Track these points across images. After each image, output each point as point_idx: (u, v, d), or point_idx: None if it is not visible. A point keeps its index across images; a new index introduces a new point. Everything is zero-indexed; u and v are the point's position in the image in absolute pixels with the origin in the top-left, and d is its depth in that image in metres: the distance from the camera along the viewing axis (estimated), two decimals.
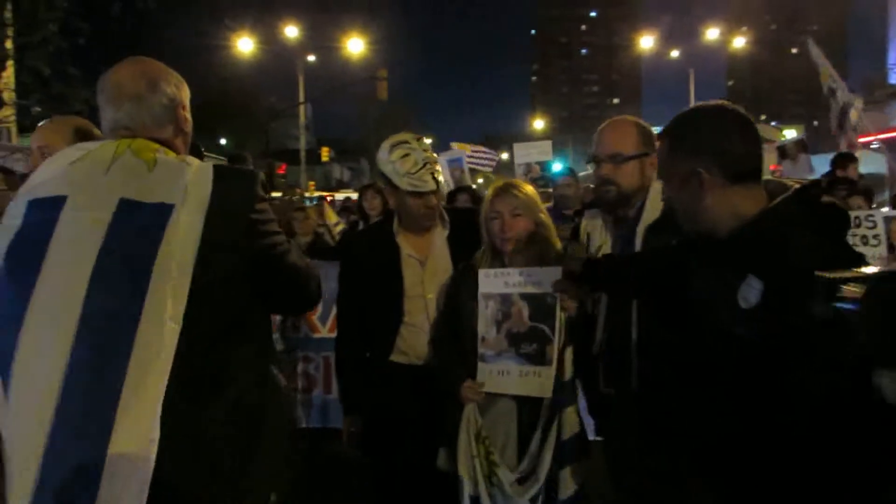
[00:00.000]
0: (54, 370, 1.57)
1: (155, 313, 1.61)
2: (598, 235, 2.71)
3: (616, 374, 2.56)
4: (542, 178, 7.72)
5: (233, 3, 34.22)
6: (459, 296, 2.70)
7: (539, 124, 75.55)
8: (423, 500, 2.84)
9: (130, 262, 1.64)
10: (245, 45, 29.75)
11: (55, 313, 1.61)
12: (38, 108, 13.37)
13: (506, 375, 2.55)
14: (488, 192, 2.72)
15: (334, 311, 4.27)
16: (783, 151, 10.66)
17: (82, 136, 2.48)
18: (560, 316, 2.49)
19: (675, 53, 38.10)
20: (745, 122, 1.78)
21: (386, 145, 2.80)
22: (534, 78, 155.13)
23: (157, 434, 1.59)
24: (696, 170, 1.74)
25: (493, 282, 2.61)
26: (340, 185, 44.14)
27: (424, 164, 2.74)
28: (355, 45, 30.26)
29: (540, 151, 9.21)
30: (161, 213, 1.67)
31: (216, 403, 1.72)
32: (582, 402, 2.75)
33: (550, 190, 6.70)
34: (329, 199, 15.67)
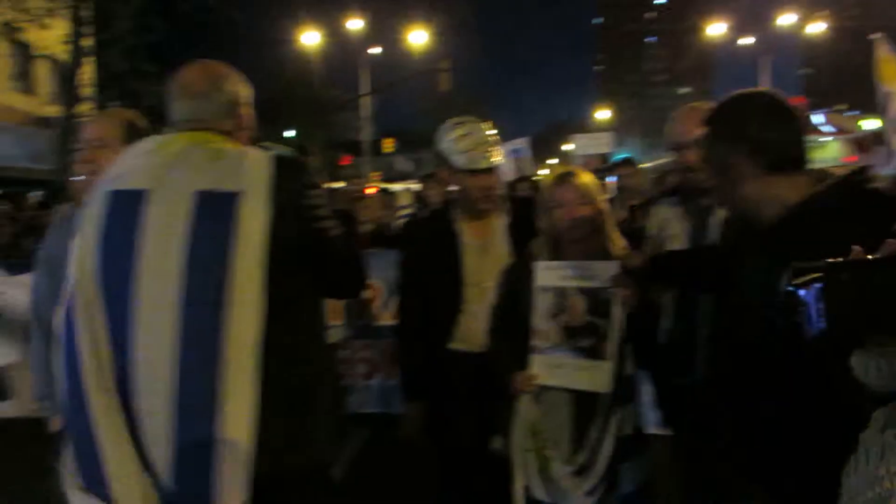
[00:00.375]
0: (166, 359, 1.75)
1: (240, 298, 1.78)
2: (672, 225, 2.67)
3: (683, 364, 2.52)
4: (599, 171, 7.61)
5: None
6: (519, 286, 2.66)
7: (603, 114, 74.18)
8: (485, 486, 2.84)
9: (212, 250, 1.80)
10: (310, 38, 30.23)
11: (157, 306, 1.77)
12: (118, 103, 13.97)
13: (560, 368, 2.52)
14: (547, 181, 2.70)
15: (396, 298, 4.35)
16: (860, 143, 10.23)
17: (132, 128, 2.62)
18: (618, 311, 2.45)
19: (747, 40, 36.77)
20: (784, 110, 1.74)
21: (447, 125, 2.86)
22: (597, 67, 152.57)
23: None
24: (731, 159, 1.72)
25: (549, 275, 2.56)
26: (403, 176, 44.42)
27: (481, 144, 2.76)
28: (418, 37, 30.38)
29: (600, 143, 9.06)
30: (231, 202, 1.82)
31: (269, 376, 1.83)
32: (645, 395, 2.72)
33: (607, 183, 6.60)
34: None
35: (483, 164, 2.78)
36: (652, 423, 2.76)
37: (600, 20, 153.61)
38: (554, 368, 2.53)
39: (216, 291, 1.77)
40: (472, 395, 2.82)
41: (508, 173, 8.06)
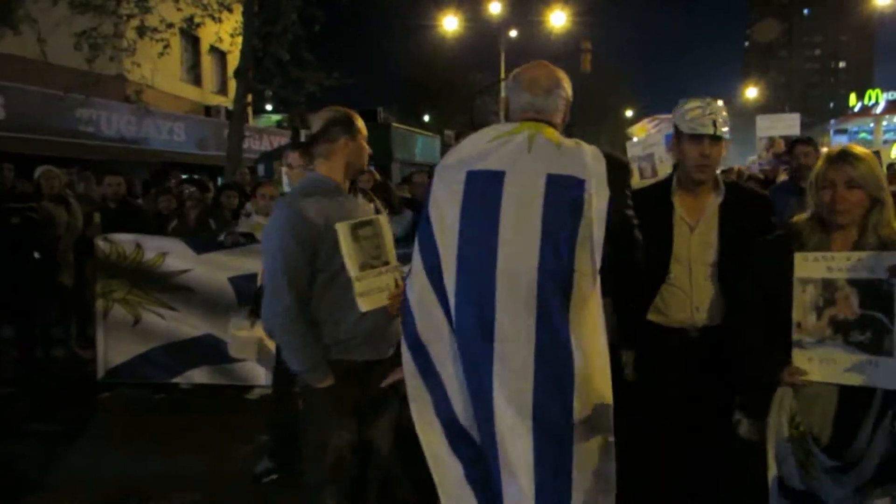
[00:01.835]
0: (525, 313, 2.07)
1: (582, 268, 2.08)
2: None
3: None
4: (786, 154, 7.14)
5: None
6: (777, 272, 2.52)
7: (752, 92, 69.90)
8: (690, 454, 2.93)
9: (563, 227, 2.09)
10: (450, 23, 30.53)
11: (517, 270, 2.09)
12: (270, 92, 14.71)
13: (831, 364, 2.40)
14: (821, 159, 2.57)
15: None
16: None
17: None
18: None
19: None
20: None
21: (683, 101, 2.92)
22: (747, 43, 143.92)
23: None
24: None
25: (812, 266, 2.44)
26: None
27: (709, 114, 2.80)
28: (557, 19, 29.90)
29: (786, 125, 8.47)
30: (577, 187, 2.10)
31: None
32: None
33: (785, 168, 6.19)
34: None
35: (705, 130, 2.81)
36: None
37: None
38: (824, 364, 2.41)
39: (568, 261, 2.07)
40: (670, 368, 2.88)
41: (667, 158, 7.73)
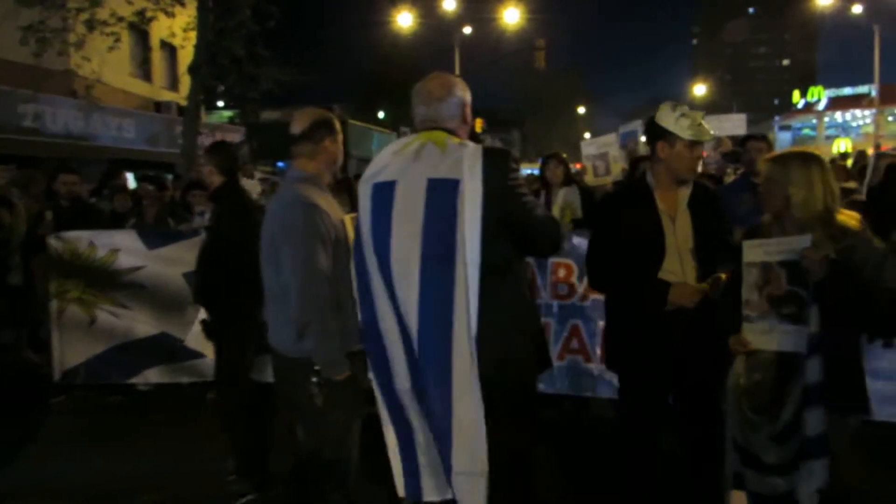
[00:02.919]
0: (414, 297, 2.44)
1: (463, 258, 2.38)
2: None
3: None
4: (733, 154, 7.31)
5: None
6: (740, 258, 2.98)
7: (700, 89, 71.39)
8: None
9: (443, 225, 2.40)
10: (404, 19, 30.46)
11: (406, 263, 2.45)
12: (222, 88, 14.45)
13: (768, 334, 2.85)
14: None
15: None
16: None
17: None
18: (810, 280, 2.70)
19: (857, 8, 34.43)
20: None
21: (666, 106, 3.22)
22: (695, 41, 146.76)
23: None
24: None
25: (755, 251, 2.89)
26: None
27: (701, 122, 3.20)
28: (511, 16, 30.05)
29: (734, 125, 8.69)
30: (453, 187, 2.41)
31: (489, 308, 2.43)
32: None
33: (741, 170, 6.35)
34: None
35: (707, 138, 3.22)
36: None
37: None
38: (763, 335, 2.86)
39: (447, 252, 2.38)
40: (669, 343, 3.16)
41: (620, 158, 7.89)
